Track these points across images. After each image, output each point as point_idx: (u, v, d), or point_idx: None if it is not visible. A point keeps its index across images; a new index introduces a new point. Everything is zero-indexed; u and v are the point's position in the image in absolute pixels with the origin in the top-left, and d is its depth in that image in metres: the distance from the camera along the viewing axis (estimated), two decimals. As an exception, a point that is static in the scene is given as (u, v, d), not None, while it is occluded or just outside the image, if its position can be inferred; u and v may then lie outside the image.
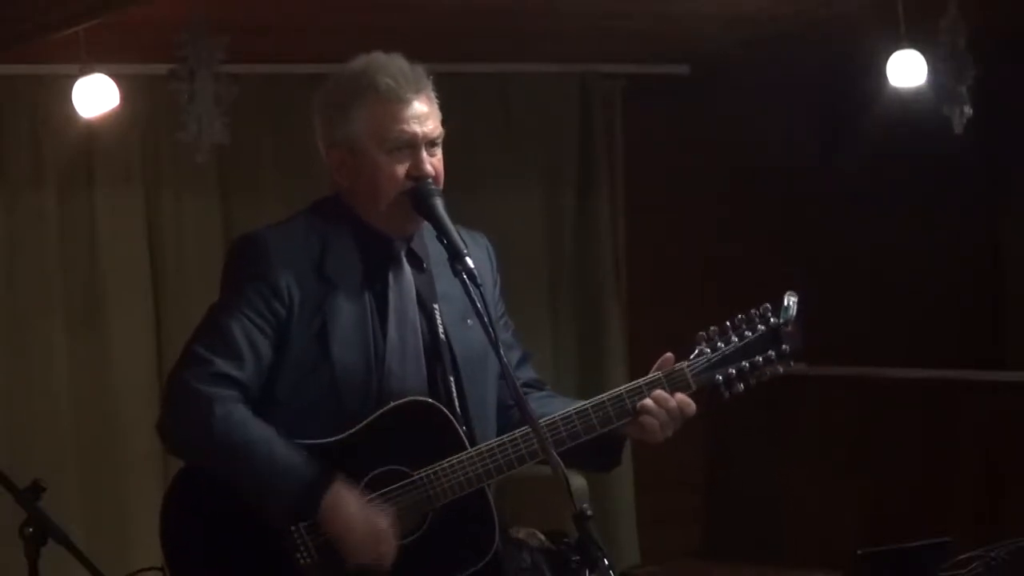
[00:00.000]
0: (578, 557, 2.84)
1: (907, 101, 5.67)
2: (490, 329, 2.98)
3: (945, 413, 6.56)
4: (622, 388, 3.16)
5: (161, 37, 5.13)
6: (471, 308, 3.06)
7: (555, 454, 2.91)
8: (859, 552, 3.58)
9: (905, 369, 6.76)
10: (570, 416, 3.13)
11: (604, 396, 3.15)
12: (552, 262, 6.74)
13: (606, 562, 2.78)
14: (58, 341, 5.90)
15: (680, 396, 3.15)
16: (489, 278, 3.27)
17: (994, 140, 6.79)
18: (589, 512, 2.79)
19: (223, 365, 3.07)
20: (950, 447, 6.53)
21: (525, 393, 3.26)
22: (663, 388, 3.15)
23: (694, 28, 6.03)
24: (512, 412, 3.28)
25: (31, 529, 3.25)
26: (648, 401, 3.14)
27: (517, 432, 3.12)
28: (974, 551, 3.55)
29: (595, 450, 3.17)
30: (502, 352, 3.01)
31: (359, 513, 3.06)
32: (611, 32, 6.04)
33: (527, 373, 3.34)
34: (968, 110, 5.43)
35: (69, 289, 5.93)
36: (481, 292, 3.01)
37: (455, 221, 3.12)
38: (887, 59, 5.52)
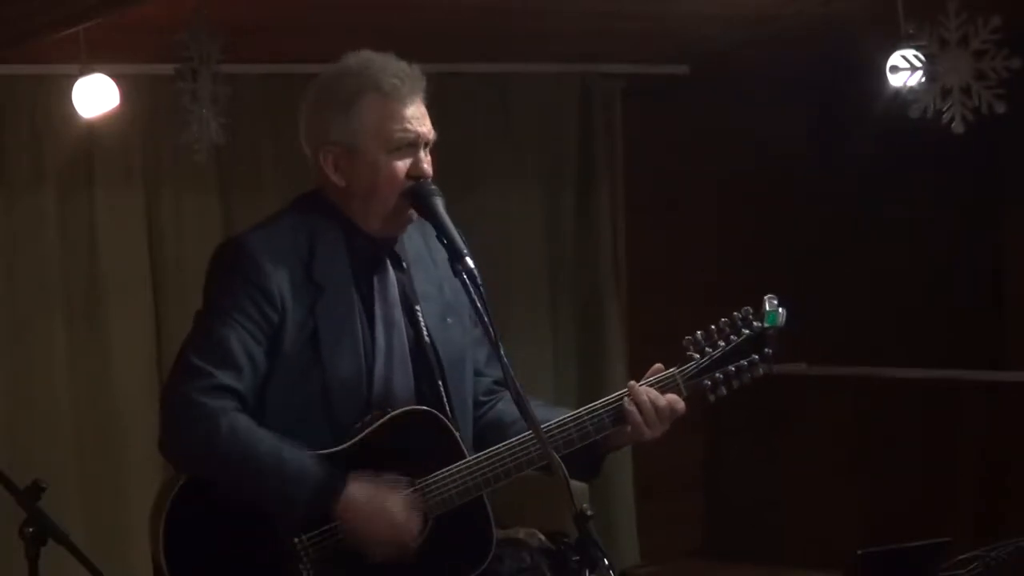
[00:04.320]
0: (578, 557, 2.83)
1: (907, 101, 5.66)
2: (491, 329, 2.98)
3: (945, 413, 6.55)
4: (600, 402, 3.20)
5: (161, 37, 5.12)
6: (449, 306, 3.11)
7: (555, 455, 2.92)
8: (859, 552, 3.57)
9: (905, 369, 6.76)
10: (565, 423, 3.15)
11: (583, 410, 3.19)
12: (552, 262, 6.74)
13: (606, 562, 2.78)
14: (58, 341, 5.89)
15: (670, 395, 3.19)
16: None
17: (994, 140, 6.78)
18: (589, 512, 2.80)
19: (223, 377, 3.05)
20: (950, 447, 6.52)
21: (494, 392, 3.30)
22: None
23: (694, 28, 6.03)
24: (481, 410, 3.29)
25: (31, 529, 3.23)
26: (629, 404, 3.17)
27: (514, 440, 3.13)
28: (974, 551, 3.55)
29: (578, 460, 3.18)
30: (499, 352, 3.00)
31: (375, 510, 3.05)
32: (611, 32, 6.04)
33: (496, 372, 3.32)
34: (985, 104, 5.41)
35: (69, 289, 5.92)
36: (482, 292, 3.02)
37: (452, 221, 3.13)
38: (887, 59, 5.51)
